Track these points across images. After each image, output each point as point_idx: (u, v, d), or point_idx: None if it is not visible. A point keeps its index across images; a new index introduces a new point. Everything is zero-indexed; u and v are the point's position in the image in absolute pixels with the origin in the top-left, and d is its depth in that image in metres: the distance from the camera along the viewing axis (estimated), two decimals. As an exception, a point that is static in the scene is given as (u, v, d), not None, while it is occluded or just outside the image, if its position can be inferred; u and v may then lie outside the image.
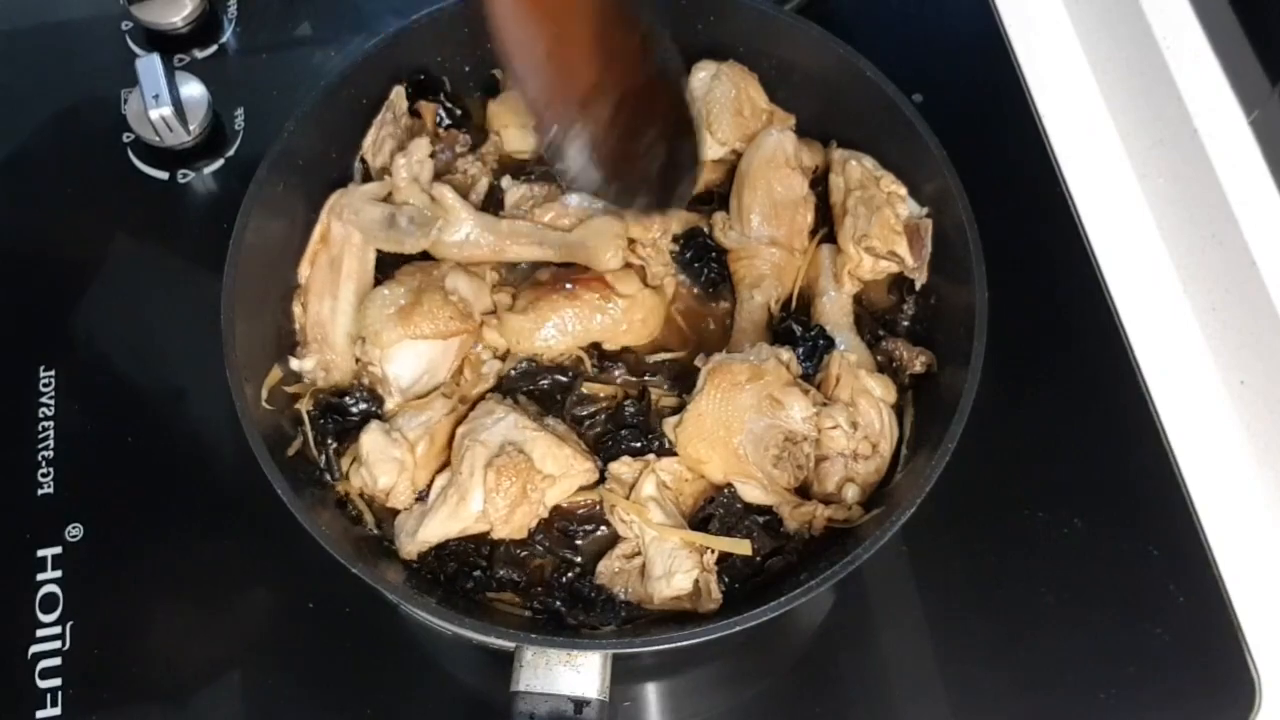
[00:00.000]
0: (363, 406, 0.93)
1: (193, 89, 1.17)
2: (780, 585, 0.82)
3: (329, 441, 0.92)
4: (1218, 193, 1.07)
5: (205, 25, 1.24)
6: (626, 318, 0.95)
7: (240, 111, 1.20)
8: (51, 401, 1.06)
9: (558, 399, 0.96)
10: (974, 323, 0.87)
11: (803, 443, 0.89)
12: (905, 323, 0.98)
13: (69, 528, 1.00)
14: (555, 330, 0.94)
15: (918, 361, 0.94)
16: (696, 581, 0.87)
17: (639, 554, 0.89)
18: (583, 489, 0.91)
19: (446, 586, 0.89)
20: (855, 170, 0.99)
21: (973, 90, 1.22)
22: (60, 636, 0.96)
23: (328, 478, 0.92)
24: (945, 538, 1.00)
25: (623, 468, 0.91)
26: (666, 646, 0.82)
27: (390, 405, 0.94)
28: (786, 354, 0.91)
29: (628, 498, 0.89)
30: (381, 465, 0.89)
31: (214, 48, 1.24)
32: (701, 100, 1.02)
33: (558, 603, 0.88)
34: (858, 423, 0.89)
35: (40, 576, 0.98)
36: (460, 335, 0.94)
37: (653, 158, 0.86)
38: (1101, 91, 1.24)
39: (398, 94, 1.01)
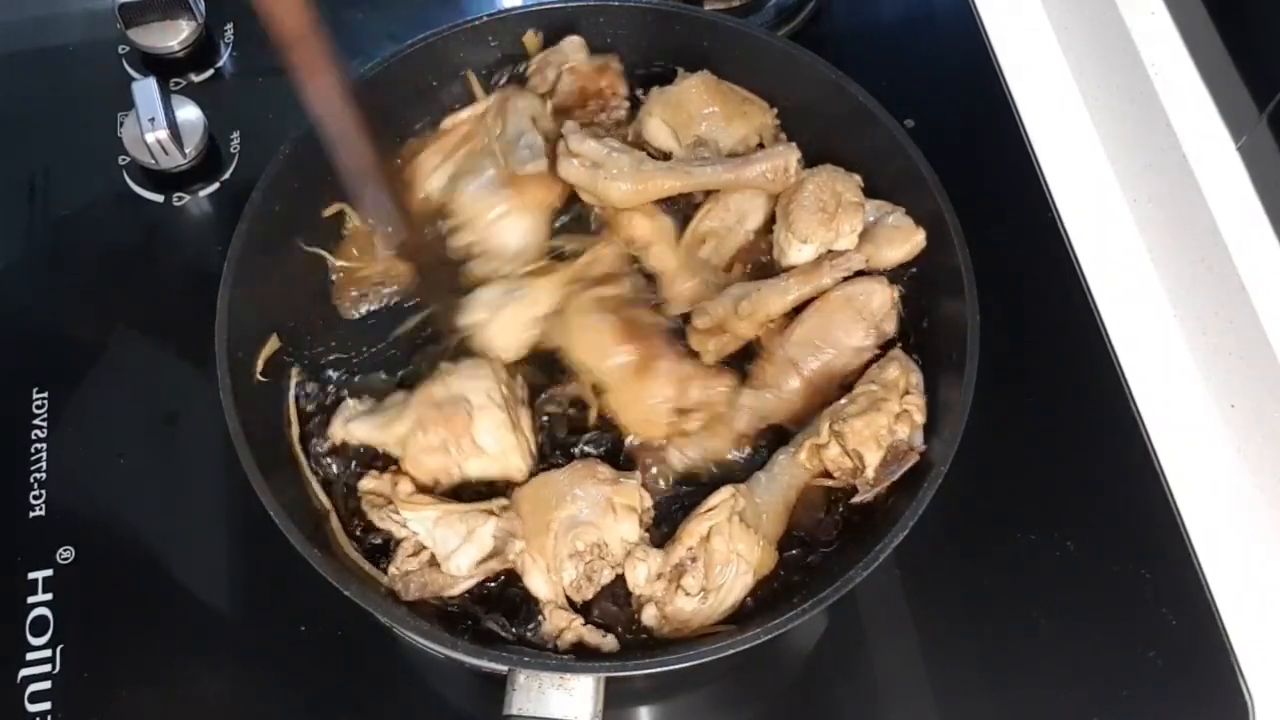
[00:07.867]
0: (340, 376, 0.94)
1: (189, 112, 1.17)
2: (774, 608, 0.82)
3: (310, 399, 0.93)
4: (1207, 218, 1.08)
5: (202, 49, 1.25)
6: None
7: (236, 135, 1.21)
8: (44, 423, 1.06)
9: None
10: (965, 346, 0.87)
11: (605, 565, 0.84)
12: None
13: (60, 550, 1.00)
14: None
15: (871, 490, 0.87)
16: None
17: (423, 548, 0.86)
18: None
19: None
20: (893, 372, 0.90)
21: (964, 116, 1.23)
22: (50, 660, 0.96)
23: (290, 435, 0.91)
24: (938, 561, 1.00)
25: (370, 482, 0.88)
26: (658, 670, 0.82)
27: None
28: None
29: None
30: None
31: (210, 72, 1.25)
32: (789, 194, 0.96)
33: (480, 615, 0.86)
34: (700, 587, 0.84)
35: (30, 599, 0.98)
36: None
37: None
38: (1091, 117, 1.25)
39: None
